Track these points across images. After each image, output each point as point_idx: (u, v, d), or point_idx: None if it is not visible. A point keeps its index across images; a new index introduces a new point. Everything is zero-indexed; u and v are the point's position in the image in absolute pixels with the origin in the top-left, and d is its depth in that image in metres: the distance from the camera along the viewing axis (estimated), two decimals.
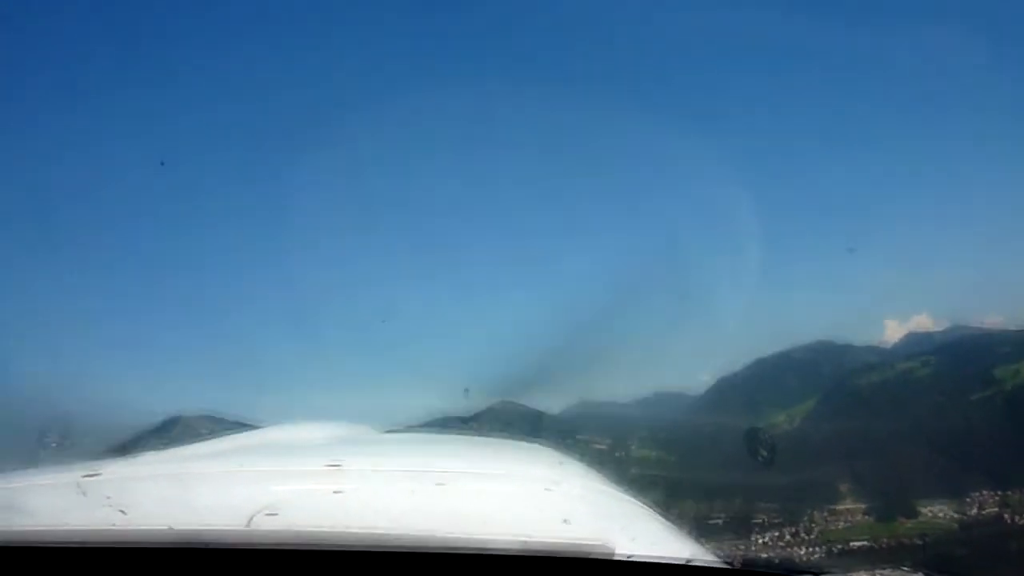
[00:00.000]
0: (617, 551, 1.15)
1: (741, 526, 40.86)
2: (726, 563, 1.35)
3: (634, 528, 1.33)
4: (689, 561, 1.23)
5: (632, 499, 1.57)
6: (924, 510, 41.49)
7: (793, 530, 40.83)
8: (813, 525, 41.53)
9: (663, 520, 1.55)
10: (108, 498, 1.20)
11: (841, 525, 41.72)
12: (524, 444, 2.41)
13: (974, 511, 40.93)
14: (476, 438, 2.72)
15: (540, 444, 2.37)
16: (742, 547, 38.05)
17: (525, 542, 1.13)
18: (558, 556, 1.14)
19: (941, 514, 41.20)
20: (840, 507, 43.14)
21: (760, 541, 39.05)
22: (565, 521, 1.21)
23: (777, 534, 40.34)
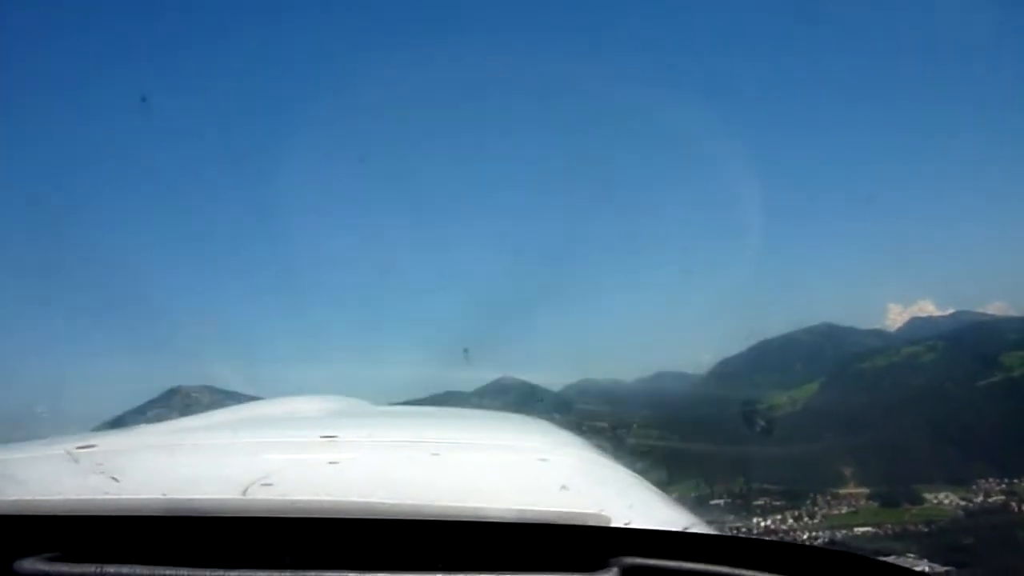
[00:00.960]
0: (614, 520, 1.13)
1: (743, 508, 40.04)
2: (722, 533, 1.30)
3: (631, 497, 1.29)
4: (687, 528, 1.19)
5: (628, 471, 1.53)
6: (929, 496, 40.50)
7: (796, 513, 39.86)
8: (816, 509, 40.54)
9: (660, 492, 1.51)
10: (100, 465, 1.20)
11: (844, 509, 40.77)
12: (520, 416, 2.42)
13: (980, 499, 39.94)
14: (472, 411, 2.76)
15: (537, 418, 2.44)
16: (744, 530, 37.32)
17: (521, 511, 1.11)
18: (554, 524, 1.11)
19: (947, 501, 40.21)
20: (843, 491, 42.22)
21: (762, 524, 38.12)
22: (562, 489, 1.19)
23: (779, 517, 39.38)
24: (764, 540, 1.11)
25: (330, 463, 1.24)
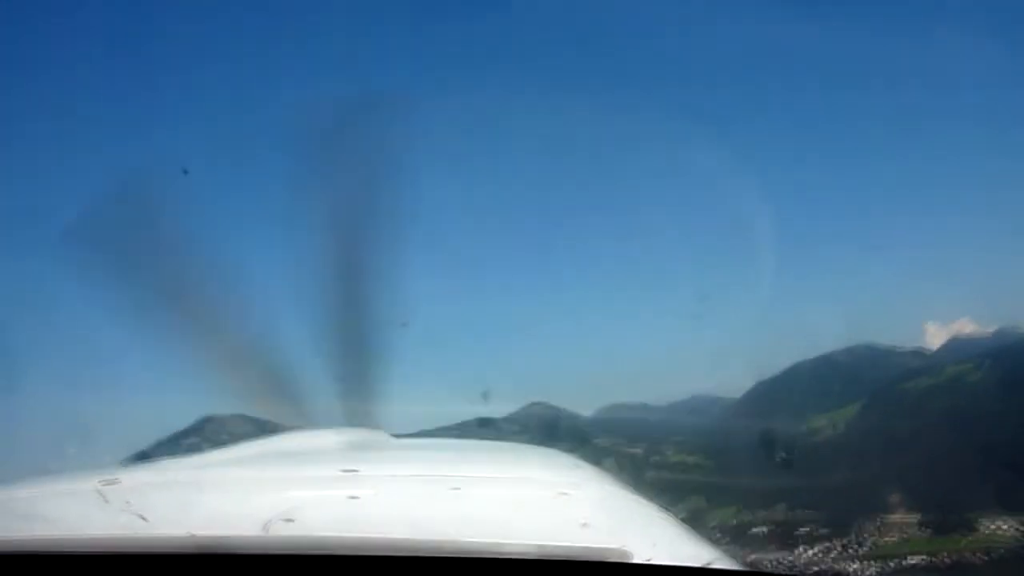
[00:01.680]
0: (635, 556, 1.14)
1: (786, 536, 38.16)
2: (746, 568, 1.35)
3: (652, 533, 1.31)
4: (708, 564, 1.19)
5: (650, 504, 1.55)
6: (984, 524, 38.23)
7: (843, 542, 37.84)
8: (865, 537, 38.45)
9: (682, 526, 1.50)
10: (128, 503, 1.21)
11: (895, 538, 38.62)
12: (541, 449, 2.40)
13: None
14: (492, 443, 2.84)
15: (559, 449, 2.41)
16: (789, 559, 35.48)
17: (542, 547, 1.12)
18: (575, 561, 1.12)
19: (1004, 528, 37.92)
20: (892, 519, 40.05)
21: (808, 553, 36.24)
22: (583, 526, 1.19)
23: (827, 545, 37.43)
24: (783, 575, 1.01)
25: (351, 498, 1.24)
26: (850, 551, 37.37)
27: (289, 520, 1.14)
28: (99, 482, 1.31)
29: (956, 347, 79.88)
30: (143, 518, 1.17)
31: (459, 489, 1.31)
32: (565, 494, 1.36)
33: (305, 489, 1.31)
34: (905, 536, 38.75)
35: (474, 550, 1.10)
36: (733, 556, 1.40)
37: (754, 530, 38.64)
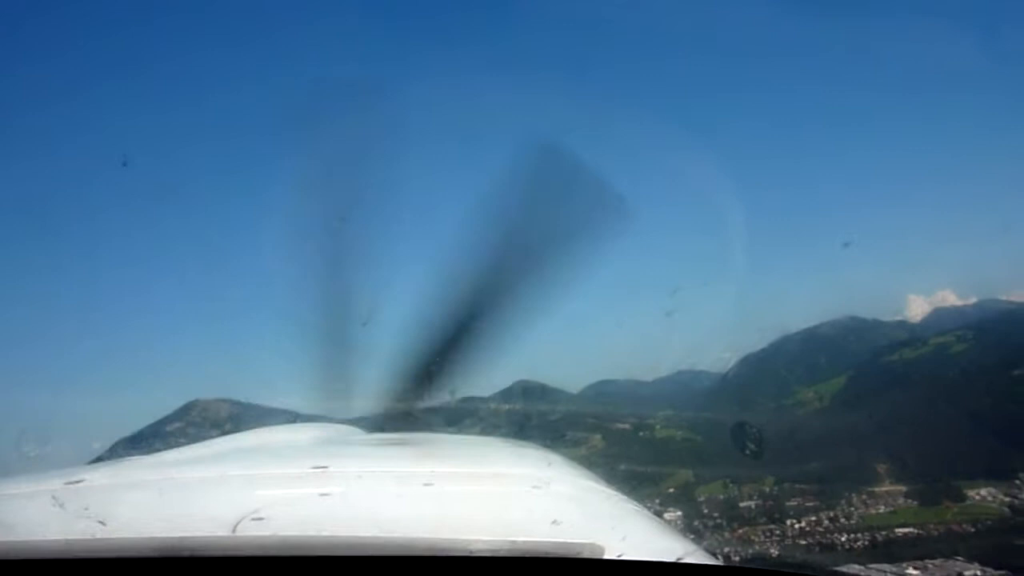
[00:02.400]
0: (607, 551, 1.13)
1: (775, 510, 38.07)
2: (718, 561, 1.32)
3: (624, 527, 1.30)
4: (680, 559, 1.18)
5: (623, 497, 1.54)
6: (971, 493, 38.28)
7: (831, 515, 37.80)
8: (852, 509, 38.42)
9: (655, 520, 1.51)
10: (86, 509, 1.18)
11: (882, 509, 38.63)
12: (513, 442, 2.38)
13: None
14: (464, 437, 2.71)
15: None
16: (777, 532, 35.38)
17: (513, 543, 1.11)
18: (547, 557, 1.12)
19: (990, 497, 37.98)
20: (879, 489, 40.09)
21: (796, 527, 36.17)
22: (554, 522, 1.18)
23: (814, 519, 37.36)
24: (756, 569, 1.14)
25: (321, 495, 1.22)
26: (839, 523, 37.34)
27: (258, 519, 1.11)
28: (63, 483, 1.29)
29: (938, 319, 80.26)
30: (102, 523, 1.13)
31: (431, 485, 1.30)
32: (537, 488, 1.36)
33: (274, 487, 1.29)
34: (893, 507, 38.78)
35: (446, 548, 1.09)
36: (707, 550, 1.38)
37: (743, 504, 38.52)
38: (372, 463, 1.53)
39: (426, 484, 1.30)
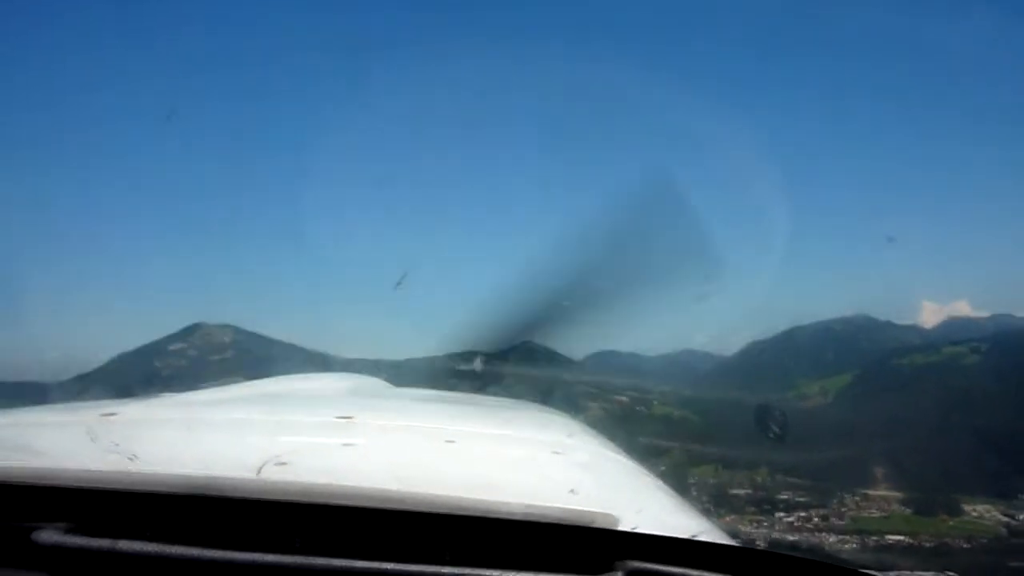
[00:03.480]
0: (622, 523, 1.13)
1: (765, 501, 37.07)
2: (735, 542, 1.27)
3: (641, 500, 1.30)
4: (694, 536, 1.16)
5: (643, 469, 1.53)
6: (968, 508, 37.07)
7: (822, 512, 36.73)
8: (844, 510, 37.35)
9: (672, 494, 1.48)
10: (118, 441, 1.20)
11: (876, 513, 37.54)
12: (537, 406, 2.48)
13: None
14: (489, 398, 2.83)
15: (553, 408, 2.42)
16: (766, 524, 34.43)
17: (529, 508, 1.11)
18: (562, 524, 1.11)
19: (987, 515, 36.76)
20: (874, 493, 38.96)
21: (785, 520, 35.16)
22: (571, 491, 1.17)
23: (804, 515, 36.31)
24: (772, 552, 1.07)
25: (345, 445, 1.23)
26: (829, 521, 36.32)
27: (281, 463, 1.13)
28: (98, 414, 1.31)
29: (953, 328, 78.42)
30: (134, 455, 1.15)
31: (453, 443, 1.31)
32: (557, 454, 1.36)
33: (299, 434, 1.30)
34: (886, 512, 37.68)
35: (463, 507, 1.09)
36: (722, 528, 1.33)
37: (733, 491, 37.56)
38: (397, 417, 1.51)
39: (448, 441, 1.30)
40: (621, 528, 1.11)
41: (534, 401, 3.13)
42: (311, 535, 1.09)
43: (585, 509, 1.11)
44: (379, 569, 1.03)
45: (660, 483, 1.51)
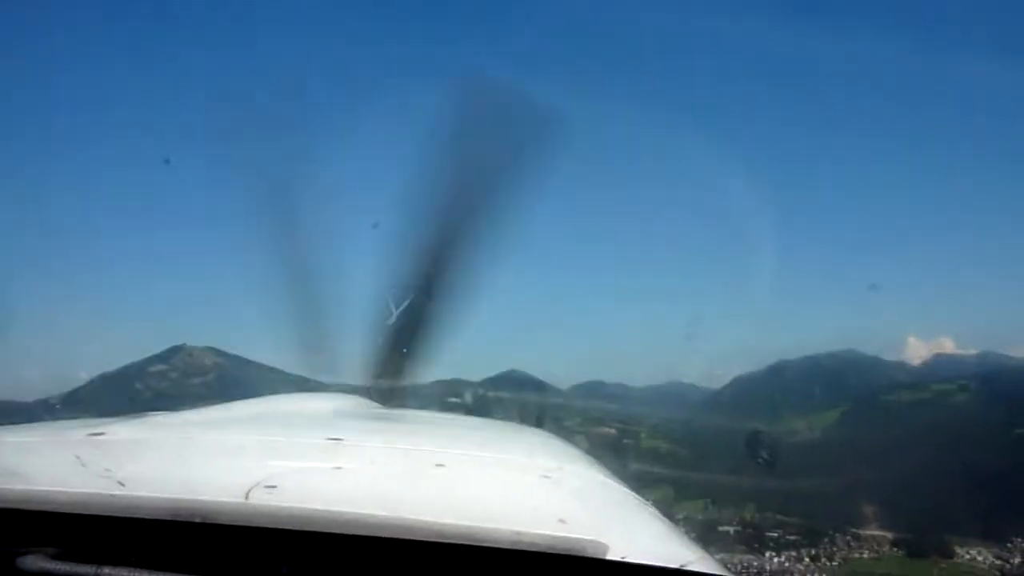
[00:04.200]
0: (611, 551, 1.11)
1: (754, 539, 35.89)
2: (726, 572, 1.25)
3: (632, 528, 1.27)
4: (684, 566, 1.14)
5: (635, 496, 1.49)
6: (961, 551, 36.02)
7: (812, 552, 35.57)
8: (835, 549, 36.19)
9: (664, 521, 1.43)
10: (106, 465, 1.19)
11: (867, 554, 36.41)
12: (530, 430, 2.37)
13: (1017, 560, 35.44)
14: (481, 420, 2.72)
15: (545, 432, 2.37)
16: (756, 564, 33.20)
17: (518, 535, 1.09)
18: (550, 553, 1.10)
19: (980, 558, 35.74)
20: (865, 532, 37.85)
21: (775, 560, 33.96)
22: (561, 521, 1.15)
23: (795, 554, 35.14)
24: None
25: (334, 468, 1.23)
26: (820, 562, 35.16)
27: (270, 488, 1.11)
28: (85, 434, 1.30)
29: (940, 365, 77.81)
30: (120, 481, 1.13)
31: (443, 466, 1.30)
32: (548, 480, 1.34)
33: (288, 456, 1.29)
34: (877, 554, 36.57)
35: (451, 535, 1.07)
36: (714, 558, 1.29)
37: (722, 528, 36.32)
38: (386, 439, 1.51)
39: (439, 465, 1.30)
40: (611, 557, 1.08)
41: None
42: (298, 562, 1.08)
43: (575, 536, 1.09)
44: None
45: (653, 510, 1.46)
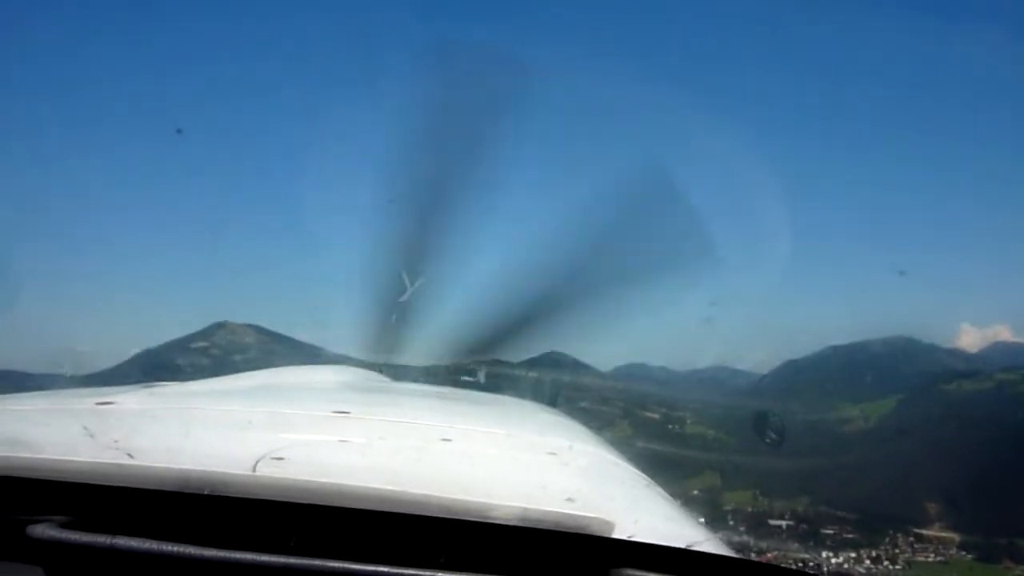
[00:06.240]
0: (618, 530, 1.09)
1: (809, 536, 32.69)
2: (732, 552, 1.22)
3: (639, 507, 1.26)
4: (691, 545, 1.12)
5: (644, 478, 1.48)
6: None
7: (873, 553, 32.16)
8: (897, 551, 32.75)
9: (670, 501, 1.43)
10: (114, 436, 1.17)
11: (932, 557, 32.87)
12: (537, 407, 2.33)
13: None
14: (489, 395, 2.71)
15: (570, 406, 2.35)
16: (812, 564, 30.04)
17: (525, 512, 1.08)
18: (556, 530, 1.08)
19: None
20: (929, 533, 34.29)
21: (833, 560, 30.67)
22: (568, 499, 1.14)
23: (854, 555, 31.80)
24: (770, 565, 1.03)
25: (341, 442, 1.23)
26: (882, 565, 31.80)
27: (278, 460, 1.11)
28: (94, 403, 1.29)
29: (998, 352, 72.56)
30: (129, 452, 1.12)
31: (449, 441, 1.29)
32: (556, 458, 1.32)
33: (296, 429, 1.28)
34: (943, 557, 33.03)
35: (457, 510, 1.06)
36: (720, 539, 1.28)
37: (773, 522, 33.21)
38: (394, 413, 1.47)
39: (445, 440, 1.28)
40: (617, 536, 1.07)
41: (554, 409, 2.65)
42: (306, 535, 1.07)
43: (582, 515, 1.08)
44: (374, 572, 1.00)
45: (659, 490, 1.44)
